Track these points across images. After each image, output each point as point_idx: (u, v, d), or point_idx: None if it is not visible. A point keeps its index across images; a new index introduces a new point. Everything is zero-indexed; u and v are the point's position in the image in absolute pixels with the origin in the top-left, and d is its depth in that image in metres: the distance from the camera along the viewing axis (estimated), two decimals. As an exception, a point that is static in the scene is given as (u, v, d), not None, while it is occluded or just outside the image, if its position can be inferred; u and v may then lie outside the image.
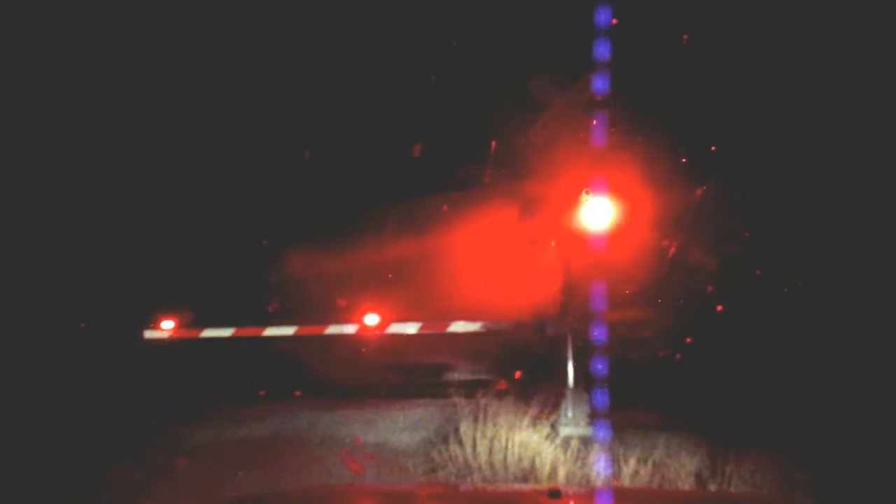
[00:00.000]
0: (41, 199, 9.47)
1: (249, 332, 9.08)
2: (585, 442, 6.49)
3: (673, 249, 7.88)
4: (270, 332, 8.97)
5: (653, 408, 7.10)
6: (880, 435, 5.79)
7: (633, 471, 5.70)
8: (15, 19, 8.74)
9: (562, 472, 5.91)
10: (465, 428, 6.44)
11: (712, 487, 5.50)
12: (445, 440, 6.49)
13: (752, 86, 7.63)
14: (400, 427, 7.59)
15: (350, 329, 8.71)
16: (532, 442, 6.30)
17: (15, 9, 8.71)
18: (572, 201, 7.10)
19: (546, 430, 6.74)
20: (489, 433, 6.28)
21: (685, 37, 7.73)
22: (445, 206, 9.28)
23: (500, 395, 7.30)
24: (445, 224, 9.16)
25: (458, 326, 8.32)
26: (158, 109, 9.49)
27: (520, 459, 6.08)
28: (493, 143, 8.56)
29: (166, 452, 6.71)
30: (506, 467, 6.04)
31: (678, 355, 7.61)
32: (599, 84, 6.93)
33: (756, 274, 7.78)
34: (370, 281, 9.31)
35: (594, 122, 7.14)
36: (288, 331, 8.91)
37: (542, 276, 7.93)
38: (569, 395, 7.07)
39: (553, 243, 7.82)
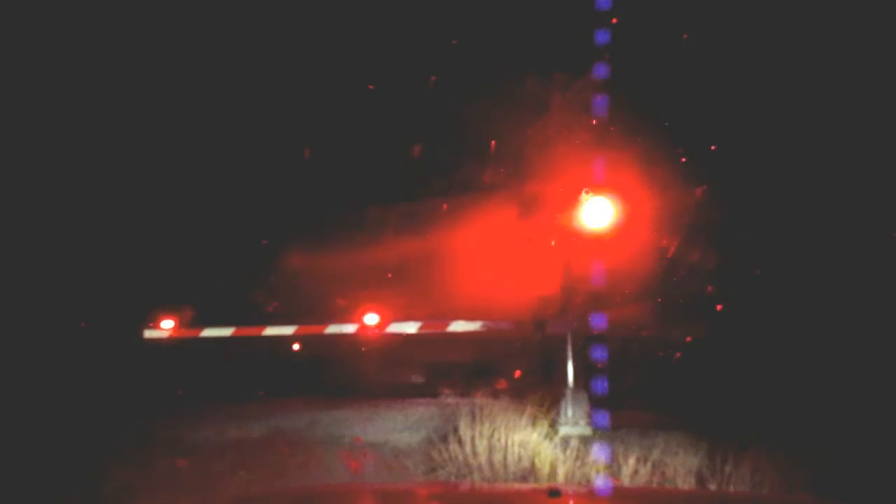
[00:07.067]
0: (42, 199, 9.47)
1: (249, 331, 9.09)
2: (585, 441, 6.50)
3: (673, 249, 7.88)
4: (270, 331, 8.99)
5: (652, 407, 7.10)
6: (880, 435, 5.79)
7: (633, 470, 5.70)
8: (15, 19, 8.75)
9: (561, 472, 5.91)
10: (464, 427, 6.43)
11: (712, 487, 5.49)
12: (445, 440, 6.49)
13: (752, 85, 7.64)
14: (399, 426, 7.59)
15: (350, 328, 8.73)
16: (531, 441, 6.30)
17: (16, 9, 8.72)
18: (572, 201, 7.10)
19: (545, 429, 6.74)
20: (488, 432, 6.27)
21: (685, 36, 7.73)
22: (445, 206, 9.28)
23: (500, 395, 7.30)
24: (445, 224, 9.17)
25: (458, 326, 8.33)
26: (159, 109, 9.49)
27: (519, 459, 6.08)
28: (493, 142, 8.56)
29: (166, 452, 6.70)
30: (505, 467, 6.04)
31: (678, 355, 7.61)
32: (599, 84, 6.94)
33: (755, 274, 7.78)
34: (370, 281, 9.31)
35: (594, 122, 7.15)
36: (288, 330, 8.94)
37: (542, 276, 7.93)
38: (568, 394, 7.08)
39: (553, 243, 7.82)
